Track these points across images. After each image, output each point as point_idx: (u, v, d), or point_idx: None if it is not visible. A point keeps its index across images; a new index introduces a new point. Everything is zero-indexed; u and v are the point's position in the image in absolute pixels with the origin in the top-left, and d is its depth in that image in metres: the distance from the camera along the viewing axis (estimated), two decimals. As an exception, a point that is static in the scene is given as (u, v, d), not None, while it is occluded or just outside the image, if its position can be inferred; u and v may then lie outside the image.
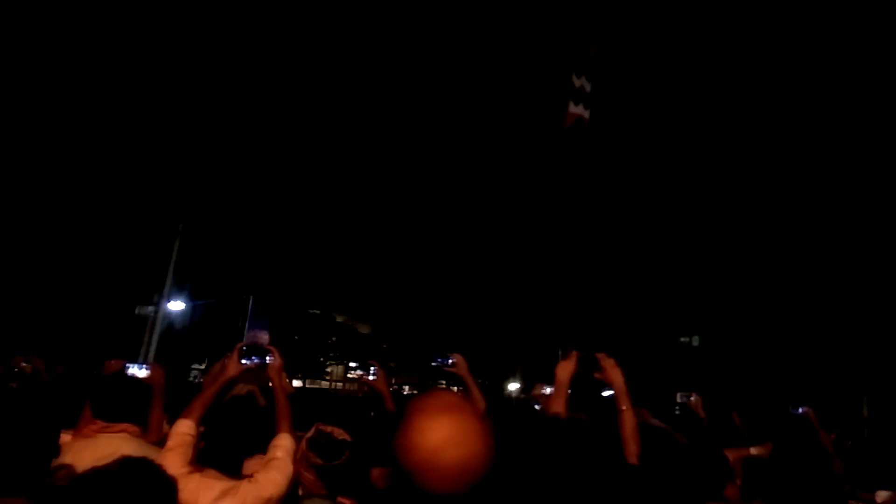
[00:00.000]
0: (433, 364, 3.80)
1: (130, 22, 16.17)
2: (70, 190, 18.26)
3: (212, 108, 17.98)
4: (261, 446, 2.89)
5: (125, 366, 3.70)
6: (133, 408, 3.07)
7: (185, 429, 2.74)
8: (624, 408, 3.04)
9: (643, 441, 2.91)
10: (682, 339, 21.16)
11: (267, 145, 19.91)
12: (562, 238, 19.50)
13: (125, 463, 1.89)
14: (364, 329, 41.13)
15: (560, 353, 21.35)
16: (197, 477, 2.58)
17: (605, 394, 3.35)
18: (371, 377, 3.84)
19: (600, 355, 3.19)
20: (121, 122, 17.77)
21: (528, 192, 19.24)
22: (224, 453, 2.70)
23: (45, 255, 18.83)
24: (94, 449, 2.79)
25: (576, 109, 10.18)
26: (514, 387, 25.80)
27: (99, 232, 19.34)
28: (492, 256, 22.71)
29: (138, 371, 3.65)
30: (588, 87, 10.34)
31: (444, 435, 1.44)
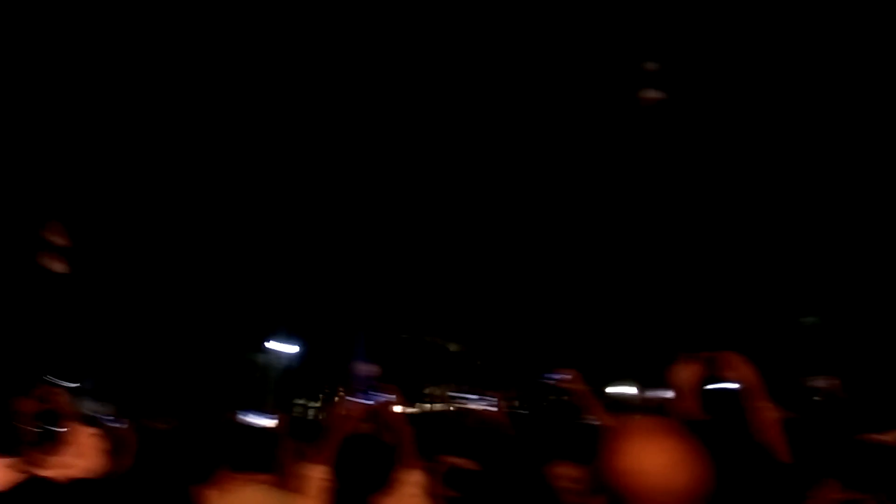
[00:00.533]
0: (543, 380, 3.69)
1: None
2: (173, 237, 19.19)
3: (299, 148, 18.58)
4: (386, 481, 2.88)
5: (243, 414, 3.81)
6: (267, 457, 3.14)
7: (319, 474, 2.79)
8: (761, 404, 2.86)
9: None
10: (803, 321, 19.97)
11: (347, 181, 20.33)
12: (655, 228, 18.97)
13: None
14: (454, 347, 41.24)
15: (676, 352, 20.59)
16: None
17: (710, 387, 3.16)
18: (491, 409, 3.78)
19: (723, 353, 3.01)
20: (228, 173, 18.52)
21: (610, 182, 18.74)
22: (356, 493, 2.71)
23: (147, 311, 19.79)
24: (239, 501, 2.85)
25: (649, 92, 9.96)
26: (623, 391, 25.00)
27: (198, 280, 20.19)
28: (586, 256, 22.13)
29: (258, 419, 3.75)
30: (659, 70, 10.12)
31: (672, 458, 1.39)
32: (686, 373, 2.92)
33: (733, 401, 3.10)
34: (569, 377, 3.58)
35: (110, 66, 16.02)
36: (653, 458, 1.40)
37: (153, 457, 3.53)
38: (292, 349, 22.02)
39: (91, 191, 16.85)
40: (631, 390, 23.73)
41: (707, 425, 2.82)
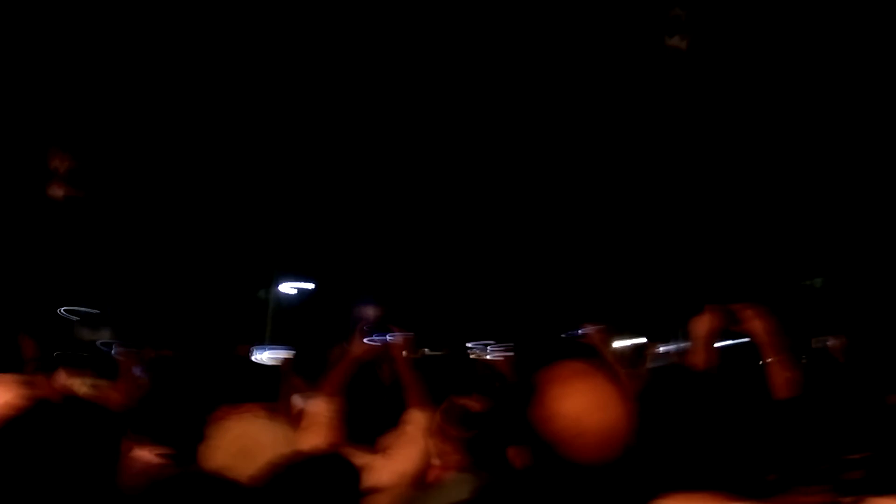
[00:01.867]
0: (564, 336, 3.66)
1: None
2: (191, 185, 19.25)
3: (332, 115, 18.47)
4: (392, 421, 2.90)
5: (251, 350, 3.82)
6: (271, 392, 3.15)
7: (319, 408, 2.79)
8: (772, 359, 2.83)
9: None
10: (806, 282, 19.96)
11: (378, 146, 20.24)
12: (667, 180, 18.83)
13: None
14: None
15: (679, 305, 20.67)
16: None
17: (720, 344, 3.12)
18: (489, 357, 3.78)
19: (738, 306, 2.96)
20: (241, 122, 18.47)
21: (628, 133, 18.49)
22: (357, 430, 2.73)
23: (163, 246, 19.95)
24: (232, 430, 2.85)
25: (673, 41, 9.69)
26: (623, 342, 25.12)
27: (214, 217, 20.29)
28: (599, 211, 22.03)
29: (263, 356, 3.76)
30: (684, 15, 9.82)
31: (584, 400, 1.40)
32: (705, 323, 2.89)
33: (747, 355, 3.08)
34: (589, 333, 3.55)
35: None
36: (568, 401, 1.40)
37: (157, 386, 3.55)
38: (304, 287, 22.23)
39: (101, 116, 16.77)
40: (639, 342, 23.87)
41: (718, 378, 2.80)
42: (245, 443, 2.64)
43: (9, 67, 14.87)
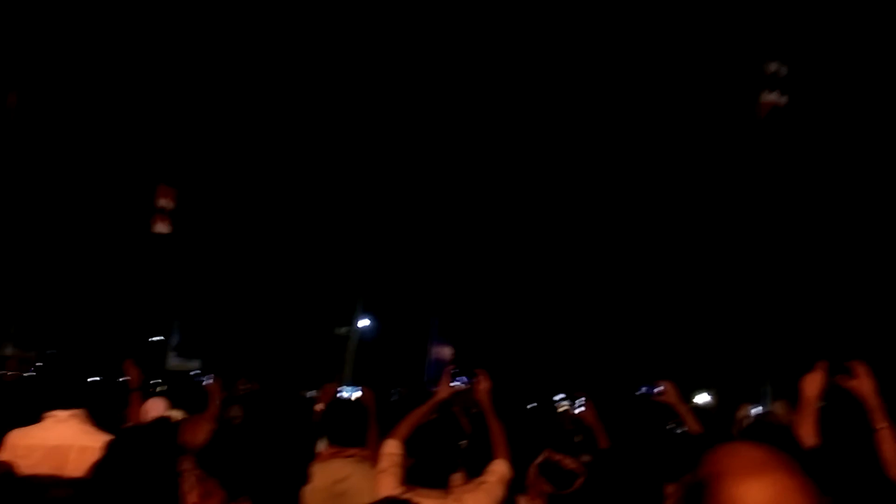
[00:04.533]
0: (640, 392, 3.55)
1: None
2: (269, 224, 19.93)
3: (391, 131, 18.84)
4: (467, 464, 2.88)
5: (338, 390, 3.88)
6: (361, 432, 3.18)
7: (393, 449, 2.81)
8: (882, 426, 2.65)
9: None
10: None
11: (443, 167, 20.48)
12: (758, 236, 18.21)
13: None
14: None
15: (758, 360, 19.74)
16: (407, 497, 2.58)
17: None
18: (579, 410, 3.70)
19: (854, 363, 2.79)
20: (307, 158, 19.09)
21: (723, 187, 18.05)
22: (429, 471, 2.72)
23: (252, 284, 20.63)
24: (328, 473, 2.89)
25: (770, 97, 9.44)
26: (701, 400, 23.95)
27: (297, 260, 20.89)
28: (679, 253, 21.47)
29: (349, 393, 3.81)
30: (783, 72, 9.57)
31: (776, 495, 1.25)
32: (817, 382, 2.73)
33: (853, 420, 2.89)
34: (665, 389, 3.44)
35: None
36: (758, 495, 1.25)
37: (257, 425, 3.63)
38: (376, 326, 22.49)
39: (199, 160, 17.65)
40: (712, 401, 22.84)
41: (824, 452, 2.64)
42: (345, 487, 2.67)
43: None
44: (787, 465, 1.29)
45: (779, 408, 4.11)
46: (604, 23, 15.70)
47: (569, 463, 2.50)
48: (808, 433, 2.62)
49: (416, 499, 2.61)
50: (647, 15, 15.04)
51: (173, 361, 19.77)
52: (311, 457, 2.84)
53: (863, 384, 2.69)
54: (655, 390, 3.45)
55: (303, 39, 16.65)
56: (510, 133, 19.10)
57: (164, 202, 15.44)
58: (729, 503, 1.26)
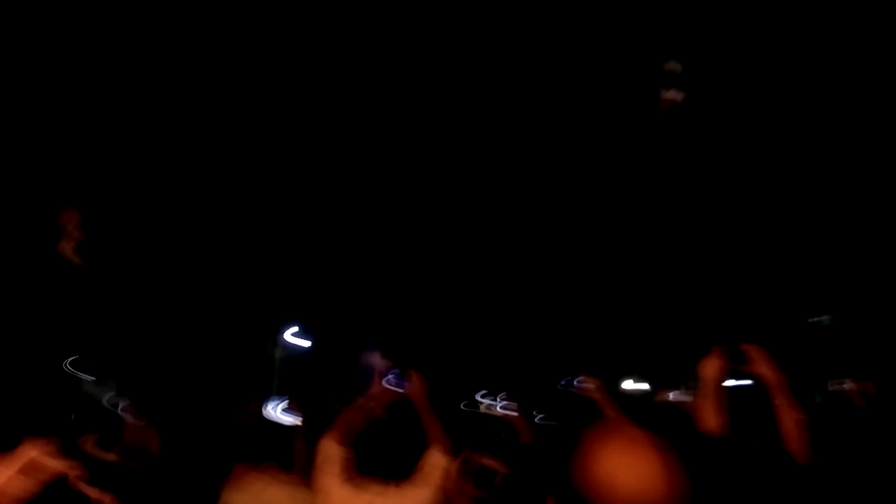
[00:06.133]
0: (560, 386, 3.67)
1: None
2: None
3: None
4: (407, 462, 2.94)
5: (263, 405, 3.83)
6: (278, 449, 3.16)
7: (331, 447, 2.88)
8: (782, 403, 2.83)
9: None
10: (812, 320, 19.75)
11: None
12: (669, 221, 18.90)
13: None
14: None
15: (683, 344, 20.51)
16: (349, 487, 2.74)
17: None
18: (502, 412, 3.79)
19: (748, 346, 2.97)
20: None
21: (623, 176, 18.63)
22: (369, 465, 2.78)
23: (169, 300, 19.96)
24: (245, 490, 2.87)
25: (669, 94, 9.87)
26: (630, 386, 24.61)
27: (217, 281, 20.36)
28: (596, 236, 21.96)
29: (276, 412, 3.77)
30: (679, 69, 10.04)
31: (617, 460, 1.37)
32: (714, 365, 2.89)
33: (753, 398, 3.08)
34: (591, 385, 3.56)
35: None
36: (627, 470, 1.36)
37: (173, 450, 3.55)
38: (306, 342, 22.15)
39: (104, 181, 16.93)
40: (643, 387, 23.54)
41: (729, 434, 2.80)
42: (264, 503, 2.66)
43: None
44: (654, 444, 1.39)
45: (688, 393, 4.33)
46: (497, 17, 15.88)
47: (489, 462, 2.56)
48: (709, 415, 2.76)
49: (354, 488, 2.67)
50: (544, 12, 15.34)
51: (92, 391, 18.90)
52: (229, 478, 2.80)
53: (760, 365, 2.87)
54: (576, 382, 3.57)
55: (211, 44, 16.20)
56: (431, 135, 19.15)
57: (71, 228, 14.74)
58: (585, 465, 1.37)
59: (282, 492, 2.81)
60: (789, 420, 2.77)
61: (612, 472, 1.37)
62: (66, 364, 19.72)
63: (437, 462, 2.88)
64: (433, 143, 19.44)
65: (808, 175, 17.20)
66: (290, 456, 3.23)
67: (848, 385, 4.46)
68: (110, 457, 3.54)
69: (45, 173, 16.24)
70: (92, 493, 2.06)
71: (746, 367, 2.93)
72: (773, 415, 2.83)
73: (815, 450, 2.69)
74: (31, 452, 2.39)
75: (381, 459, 2.83)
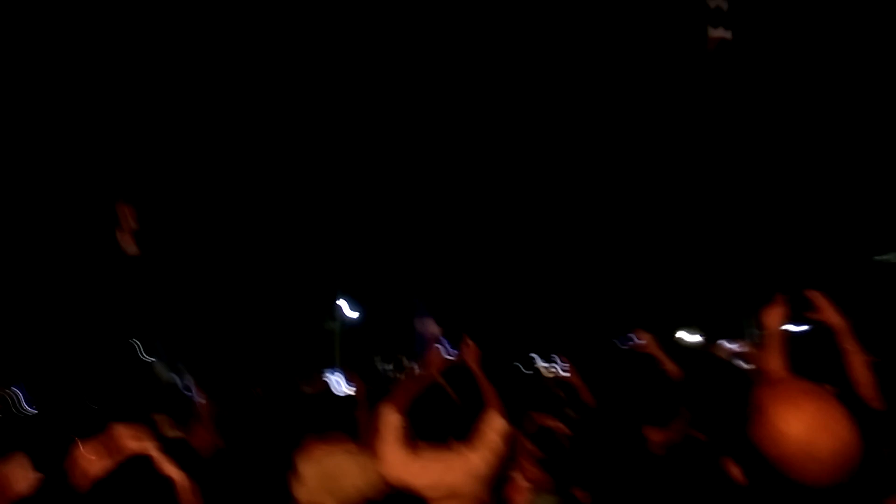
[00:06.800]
0: (617, 344, 3.65)
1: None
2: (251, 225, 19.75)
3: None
4: (462, 424, 2.99)
5: (325, 377, 3.92)
6: (347, 422, 3.23)
7: (392, 418, 2.94)
8: (850, 348, 2.74)
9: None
10: (879, 258, 18.92)
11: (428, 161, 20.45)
12: (722, 163, 18.42)
13: None
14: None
15: (744, 293, 20.04)
16: (412, 456, 2.80)
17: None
18: (564, 374, 3.78)
19: (811, 293, 2.87)
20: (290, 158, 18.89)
21: (680, 120, 18.16)
22: (429, 433, 2.84)
23: (231, 284, 20.48)
24: (315, 463, 2.95)
25: (716, 32, 9.51)
26: (690, 338, 24.22)
27: (272, 258, 20.76)
28: (648, 191, 21.62)
29: (337, 382, 3.84)
30: (725, 6, 9.64)
31: (812, 422, 1.37)
32: (777, 314, 2.80)
33: (819, 344, 2.99)
34: (644, 342, 3.53)
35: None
36: (796, 422, 1.37)
37: (238, 427, 3.66)
38: (359, 314, 22.50)
39: (156, 175, 17.35)
40: (696, 338, 23.16)
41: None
42: (333, 473, 2.73)
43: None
44: (826, 396, 1.41)
45: (748, 344, 4.24)
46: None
47: (554, 424, 2.58)
48: (775, 364, 2.69)
49: (418, 458, 2.73)
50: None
51: (163, 373, 19.59)
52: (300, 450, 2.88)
53: (824, 312, 2.78)
54: (632, 342, 3.54)
55: (259, 36, 16.38)
56: (463, 111, 19.05)
57: (127, 220, 15.11)
58: (773, 430, 1.38)
59: (348, 460, 2.87)
60: (859, 365, 2.69)
61: (788, 423, 1.38)
62: (138, 348, 20.52)
63: (493, 425, 2.90)
64: (478, 121, 19.38)
65: (872, 118, 16.45)
66: (354, 425, 3.31)
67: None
68: (186, 437, 3.67)
69: (100, 171, 16.75)
70: (173, 473, 2.15)
71: (811, 314, 2.84)
72: (842, 361, 2.75)
73: (888, 394, 2.62)
74: (116, 435, 2.51)
75: (438, 425, 2.87)
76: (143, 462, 2.18)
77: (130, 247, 15.14)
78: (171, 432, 3.93)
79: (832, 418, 1.38)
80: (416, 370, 3.37)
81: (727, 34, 9.64)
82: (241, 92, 16.99)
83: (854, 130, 16.93)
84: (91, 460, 2.15)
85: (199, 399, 4.16)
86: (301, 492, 2.66)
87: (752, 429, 1.43)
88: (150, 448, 2.26)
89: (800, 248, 18.59)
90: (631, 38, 15.25)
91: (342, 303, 21.46)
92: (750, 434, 1.43)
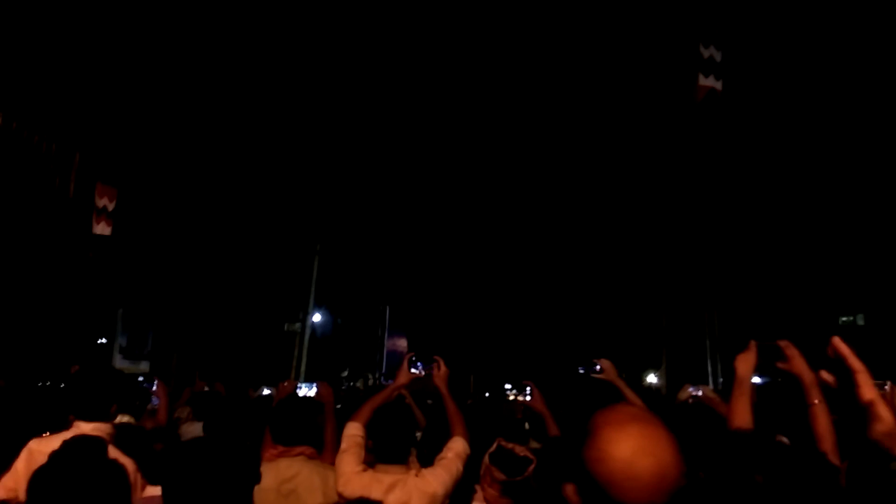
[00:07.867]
0: (579, 372, 3.68)
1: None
2: (217, 221, 19.55)
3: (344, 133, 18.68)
4: (422, 453, 2.97)
5: (297, 387, 3.88)
6: (309, 430, 3.19)
7: (354, 431, 2.93)
8: (816, 401, 2.77)
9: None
10: (844, 319, 19.33)
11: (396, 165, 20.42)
12: (701, 216, 18.66)
13: None
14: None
15: (707, 341, 20.32)
16: (369, 473, 2.76)
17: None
18: (527, 398, 3.79)
19: (783, 343, 2.91)
20: (260, 153, 18.77)
21: (660, 168, 18.41)
22: (389, 450, 2.83)
23: (198, 282, 20.22)
24: (275, 472, 2.91)
25: (706, 81, 9.66)
26: (653, 380, 24.57)
27: (245, 257, 20.57)
28: (621, 236, 21.88)
29: (307, 390, 3.80)
30: (718, 57, 9.81)
31: (635, 444, 1.44)
32: (749, 360, 2.83)
33: (787, 396, 3.02)
34: (603, 368, 3.56)
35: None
36: (621, 444, 1.44)
37: (207, 430, 3.60)
38: (329, 321, 22.35)
39: (138, 155, 17.13)
40: (659, 381, 23.45)
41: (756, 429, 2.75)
42: (293, 486, 2.70)
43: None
44: (651, 421, 1.49)
45: (707, 389, 4.30)
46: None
47: (520, 450, 2.58)
48: (742, 411, 2.71)
49: (375, 474, 2.71)
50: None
51: (120, 364, 19.28)
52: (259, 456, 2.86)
53: (794, 363, 2.81)
54: (596, 368, 3.58)
55: (247, 31, 16.31)
56: (447, 122, 19.12)
57: (103, 202, 14.89)
58: (601, 449, 1.45)
59: (311, 472, 2.84)
60: (823, 419, 2.71)
61: (611, 444, 1.45)
62: (98, 342, 20.19)
63: (454, 447, 2.91)
64: (458, 134, 19.47)
65: (839, 175, 16.85)
66: (319, 437, 3.28)
67: (887, 387, 4.35)
68: (139, 424, 3.62)
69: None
70: (123, 459, 2.11)
71: (781, 363, 2.87)
72: (806, 414, 2.78)
73: (846, 452, 2.64)
74: (78, 428, 2.47)
75: (400, 443, 2.86)
76: (94, 447, 2.14)
77: (103, 228, 14.87)
78: (124, 418, 3.87)
79: (655, 442, 1.45)
80: (385, 387, 3.37)
81: (717, 84, 9.81)
82: (225, 93, 16.94)
83: (833, 193, 17.29)
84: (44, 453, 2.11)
85: (160, 395, 4.11)
86: (261, 499, 2.62)
87: (583, 450, 1.50)
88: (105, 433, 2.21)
89: (766, 304, 18.88)
90: (620, 82, 15.50)
91: (315, 316, 21.31)
92: (581, 454, 1.49)
